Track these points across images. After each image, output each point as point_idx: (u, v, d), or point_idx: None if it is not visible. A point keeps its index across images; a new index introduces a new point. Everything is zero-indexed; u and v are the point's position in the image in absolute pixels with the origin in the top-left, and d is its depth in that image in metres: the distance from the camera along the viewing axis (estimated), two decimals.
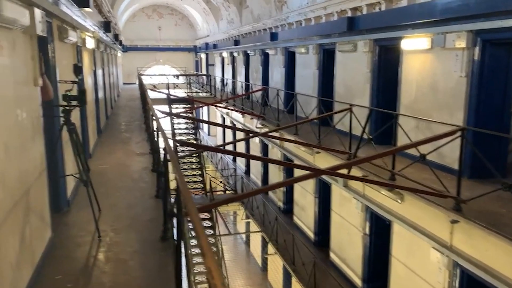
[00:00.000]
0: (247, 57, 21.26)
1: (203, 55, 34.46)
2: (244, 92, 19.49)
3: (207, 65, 33.25)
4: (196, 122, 23.43)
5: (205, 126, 33.38)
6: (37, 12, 3.90)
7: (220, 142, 28.61)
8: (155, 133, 7.89)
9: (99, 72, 11.87)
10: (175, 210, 3.75)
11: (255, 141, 19.27)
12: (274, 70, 17.08)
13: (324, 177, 11.86)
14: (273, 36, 15.85)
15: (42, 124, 4.43)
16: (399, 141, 8.98)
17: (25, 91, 3.87)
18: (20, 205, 3.50)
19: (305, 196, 13.93)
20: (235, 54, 23.45)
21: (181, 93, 23.18)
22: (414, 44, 8.31)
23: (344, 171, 7.82)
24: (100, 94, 11.68)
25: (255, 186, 19.26)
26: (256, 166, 19.69)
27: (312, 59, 13.19)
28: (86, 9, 6.50)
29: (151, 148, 9.45)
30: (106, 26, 11.88)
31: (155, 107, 8.62)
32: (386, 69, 9.75)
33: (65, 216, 5.44)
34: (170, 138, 5.07)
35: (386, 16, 8.86)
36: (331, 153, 9.34)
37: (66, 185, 5.63)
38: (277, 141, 15.05)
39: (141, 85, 19.64)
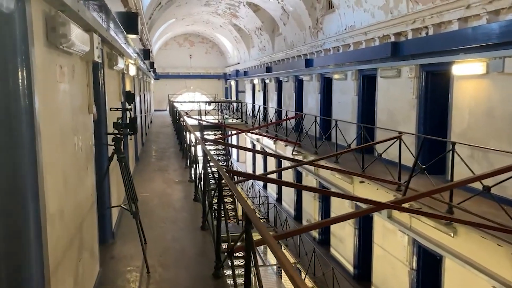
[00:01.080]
0: (279, 83, 21.17)
1: (232, 82, 34.73)
2: (276, 119, 19.28)
3: (237, 91, 33.44)
4: (227, 149, 23.36)
5: (234, 152, 33.23)
6: (95, 37, 3.77)
7: (250, 168, 28.38)
8: (197, 159, 7.69)
9: (137, 99, 11.89)
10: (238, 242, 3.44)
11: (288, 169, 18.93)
12: (308, 96, 16.85)
13: (365, 206, 11.38)
14: (308, 63, 15.68)
15: (94, 153, 4.25)
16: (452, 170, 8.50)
17: (80, 119, 3.70)
18: (75, 241, 3.27)
19: (343, 226, 13.38)
20: (267, 81, 23.43)
21: (212, 119, 23.24)
22: (467, 69, 7.92)
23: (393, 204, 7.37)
24: (138, 121, 11.67)
25: (288, 214, 18.78)
26: (288, 194, 19.24)
27: (351, 85, 12.91)
28: (132, 36, 6.44)
29: (191, 175, 9.25)
30: (146, 53, 11.97)
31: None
32: (434, 95, 9.36)
33: (111, 249, 5.20)
34: (219, 166, 4.82)
35: (435, 40, 8.52)
36: (377, 183, 8.91)
37: (112, 216, 5.42)
38: (310, 168, 14.65)
39: (175, 112, 19.74)
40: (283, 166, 18.87)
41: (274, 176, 20.71)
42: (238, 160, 32.40)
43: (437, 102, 9.29)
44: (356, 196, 6.84)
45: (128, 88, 9.11)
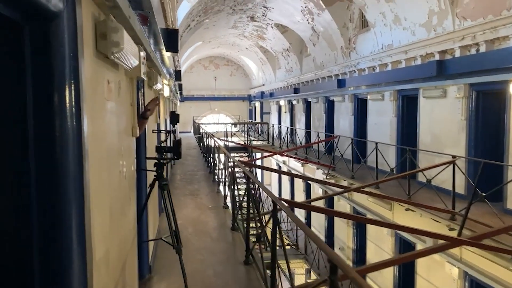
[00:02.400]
0: (307, 104, 20.70)
1: (257, 104, 34.47)
2: (305, 141, 18.72)
3: (262, 113, 33.12)
4: (252, 172, 22.87)
5: (259, 174, 32.59)
6: (142, 51, 3.36)
7: (275, 191, 27.74)
8: (235, 183, 7.20)
9: (168, 121, 11.57)
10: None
11: (317, 192, 18.25)
12: (340, 118, 16.29)
13: (407, 235, 10.63)
14: (341, 83, 15.19)
15: (135, 180, 3.80)
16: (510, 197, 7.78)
17: (125, 142, 3.26)
18: (119, 285, 2.77)
19: (381, 255, 12.59)
20: (294, 102, 23.00)
21: (237, 141, 22.85)
22: None
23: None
24: (178, 136, 11.32)
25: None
26: (318, 219, 18.49)
27: (389, 106, 12.32)
28: (167, 54, 6.07)
29: (225, 201, 8.75)
30: (177, 75, 11.71)
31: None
32: (486, 116, 8.70)
33: (148, 285, 4.69)
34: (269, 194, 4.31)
35: (489, 57, 7.92)
36: (425, 211, 8.22)
37: (149, 248, 4.93)
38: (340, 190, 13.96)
39: (203, 133, 19.43)
40: (315, 190, 18.24)
41: (295, 198, 20.04)
42: (262, 182, 31.81)
43: (490, 123, 8.63)
44: (416, 228, 6.17)
45: (162, 109, 8.77)
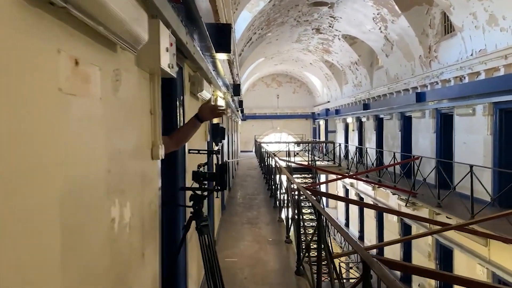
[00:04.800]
0: (379, 121, 18.89)
1: (321, 122, 32.91)
2: (378, 161, 16.90)
3: (326, 131, 31.48)
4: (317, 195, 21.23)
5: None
6: (161, 25, 2.20)
7: (341, 215, 25.82)
8: (301, 216, 5.88)
9: (226, 140, 10.52)
10: None
11: (392, 219, 16.30)
12: (419, 136, 14.38)
13: (445, 242, 8.61)
14: (420, 96, 13.39)
15: (159, 220, 2.62)
16: None
17: (134, 167, 2.10)
18: None
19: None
20: (363, 119, 21.24)
21: (300, 161, 21.45)
22: None
23: None
24: (235, 160, 10.24)
25: (392, 273, 15.94)
26: (393, 250, 16.43)
27: (482, 122, 10.39)
28: (222, 57, 4.95)
29: (288, 234, 7.40)
30: (236, 89, 10.67)
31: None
32: None
33: None
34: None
35: None
36: None
37: None
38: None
39: (263, 153, 18.31)
40: (388, 217, 16.31)
41: (365, 224, 17.97)
42: (327, 206, 29.91)
43: None
44: None
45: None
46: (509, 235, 6.99)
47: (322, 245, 4.43)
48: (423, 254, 13.29)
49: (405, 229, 14.78)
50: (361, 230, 21.12)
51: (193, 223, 3.04)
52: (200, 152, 3.10)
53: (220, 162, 3.04)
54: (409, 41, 14.11)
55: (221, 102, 7.64)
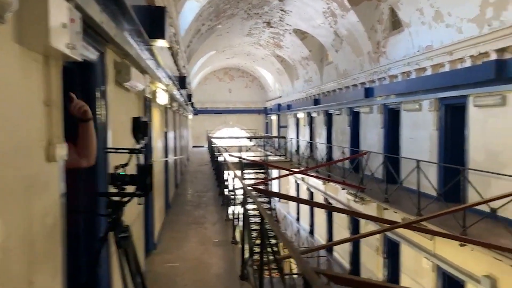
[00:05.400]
0: (329, 117, 18.96)
1: (274, 117, 32.86)
2: (327, 157, 16.94)
3: (279, 127, 31.46)
4: (268, 187, 21.05)
5: (274, 188, 30.60)
6: None
7: (293, 209, 25.88)
8: (247, 221, 5.55)
9: (171, 135, 9.99)
10: None
11: (341, 214, 16.39)
12: (367, 131, 14.49)
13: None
14: (368, 92, 13.45)
15: (61, 234, 2.16)
16: None
17: (33, 170, 1.65)
18: None
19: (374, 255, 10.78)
20: (314, 114, 21.30)
21: (252, 156, 21.20)
22: None
23: None
24: (171, 160, 9.71)
25: (341, 269, 16.08)
26: (342, 245, 16.50)
27: (428, 117, 10.52)
28: (158, 43, 4.48)
29: (234, 235, 7.05)
30: (181, 81, 10.14)
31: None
32: None
33: None
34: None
35: None
36: (498, 252, 6.40)
37: None
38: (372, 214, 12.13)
39: (214, 149, 17.85)
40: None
41: (315, 220, 18.10)
42: (279, 200, 29.91)
43: None
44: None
45: (157, 120, 7.18)
46: (455, 230, 7.02)
47: (266, 249, 4.12)
48: (371, 248, 13.42)
49: (354, 223, 14.89)
50: (312, 224, 21.23)
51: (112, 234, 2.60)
52: (120, 151, 2.66)
53: (142, 162, 2.62)
54: (358, 37, 14.13)
55: (163, 95, 7.14)
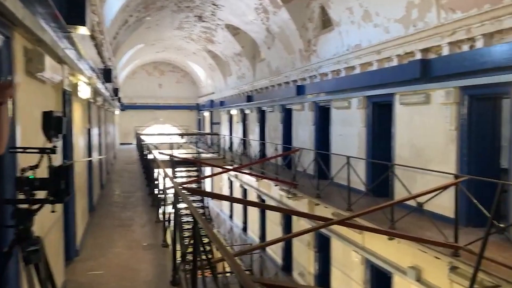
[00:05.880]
0: (262, 114, 18.99)
1: (206, 113, 32.38)
2: (260, 153, 16.94)
3: (211, 123, 31.07)
4: (201, 185, 20.65)
5: (208, 183, 29.97)
6: None
7: (226, 207, 25.70)
8: (179, 221, 5.25)
9: (95, 131, 9.33)
10: None
11: (273, 212, 16.48)
12: (299, 128, 14.67)
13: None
14: (300, 90, 13.61)
15: None
16: None
17: None
18: None
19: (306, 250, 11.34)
20: (247, 111, 21.25)
21: (184, 153, 20.69)
22: None
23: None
24: (95, 159, 9.07)
25: (274, 264, 16.20)
26: (273, 235, 16.58)
27: (357, 115, 10.81)
28: (78, 30, 4.03)
29: (165, 238, 6.69)
30: (107, 74, 9.49)
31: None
32: (483, 125, 7.33)
33: None
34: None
35: (492, 54, 6.53)
36: (426, 246, 6.66)
37: None
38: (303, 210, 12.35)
39: (142, 146, 17.10)
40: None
41: (248, 215, 18.18)
42: (212, 198, 29.55)
43: (488, 134, 7.28)
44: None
45: (78, 115, 6.59)
46: (384, 224, 7.22)
47: (200, 253, 3.87)
48: (303, 243, 13.60)
49: (286, 218, 15.03)
50: (245, 222, 21.20)
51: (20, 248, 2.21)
52: (28, 151, 2.27)
53: (56, 164, 2.25)
54: (290, 34, 14.23)
55: (85, 89, 6.59)
